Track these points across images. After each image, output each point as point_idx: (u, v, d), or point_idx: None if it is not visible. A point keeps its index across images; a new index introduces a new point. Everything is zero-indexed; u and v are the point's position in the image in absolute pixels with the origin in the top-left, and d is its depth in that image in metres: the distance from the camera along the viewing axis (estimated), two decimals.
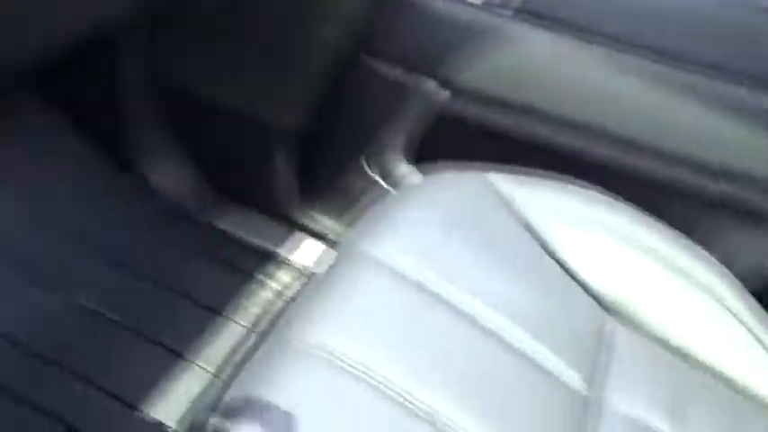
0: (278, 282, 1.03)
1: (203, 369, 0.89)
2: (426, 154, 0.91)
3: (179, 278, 1.00)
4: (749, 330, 0.70)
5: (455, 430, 0.50)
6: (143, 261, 1.00)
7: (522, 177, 0.73)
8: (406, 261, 0.60)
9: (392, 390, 0.50)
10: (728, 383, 0.66)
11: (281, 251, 1.07)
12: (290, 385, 0.50)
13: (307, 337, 0.53)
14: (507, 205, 0.69)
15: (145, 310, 0.94)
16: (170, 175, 1.12)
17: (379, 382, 0.50)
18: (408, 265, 0.60)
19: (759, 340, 0.69)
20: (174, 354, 0.90)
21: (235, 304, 0.98)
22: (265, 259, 1.06)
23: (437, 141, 0.89)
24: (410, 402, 0.50)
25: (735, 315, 0.70)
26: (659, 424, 0.59)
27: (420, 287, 0.59)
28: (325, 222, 1.07)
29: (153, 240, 1.05)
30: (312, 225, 1.08)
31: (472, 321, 0.58)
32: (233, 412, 0.48)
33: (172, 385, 0.87)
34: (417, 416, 0.50)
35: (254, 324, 0.95)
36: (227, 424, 0.46)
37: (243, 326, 0.95)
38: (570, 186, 0.74)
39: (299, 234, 1.09)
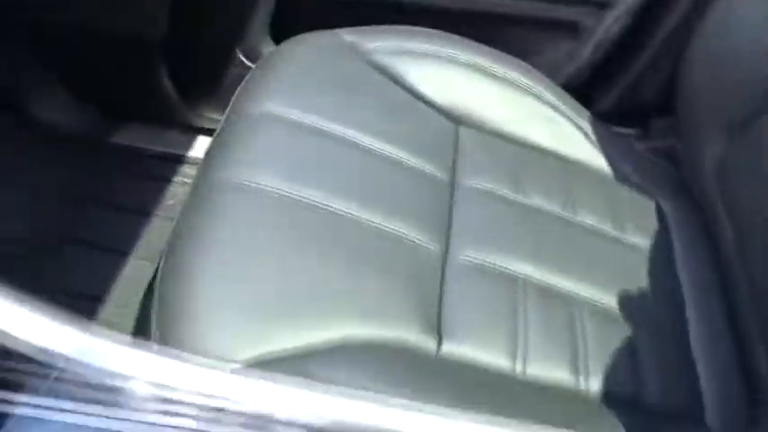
0: (184, 176, 1.15)
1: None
2: (288, 30, 1.03)
3: (85, 192, 1.09)
4: (568, 118, 0.90)
5: (346, 213, 0.66)
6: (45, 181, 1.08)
7: (367, 28, 0.87)
8: (289, 109, 0.75)
9: (301, 198, 0.66)
10: (554, 155, 0.86)
11: (178, 152, 1.18)
12: (220, 220, 0.64)
13: (223, 180, 0.67)
14: (358, 53, 0.84)
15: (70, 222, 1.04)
16: (52, 106, 1.18)
17: (288, 194, 0.66)
18: (292, 110, 0.74)
19: (575, 123, 0.89)
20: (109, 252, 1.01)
21: (148, 203, 1.09)
22: (165, 161, 1.17)
23: (296, 17, 1.01)
24: (315, 204, 0.66)
25: (555, 108, 0.90)
26: (503, 190, 0.78)
27: (306, 126, 0.73)
28: (212, 116, 1.18)
29: (48, 162, 1.12)
30: (201, 122, 1.19)
31: (351, 144, 0.74)
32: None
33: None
34: (319, 213, 0.66)
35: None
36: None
37: (164, 216, 1.07)
38: (411, 29, 0.89)
39: (190, 134, 1.20)
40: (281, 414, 0.38)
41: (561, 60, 0.97)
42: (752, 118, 0.73)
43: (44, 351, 0.36)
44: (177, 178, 1.14)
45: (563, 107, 0.89)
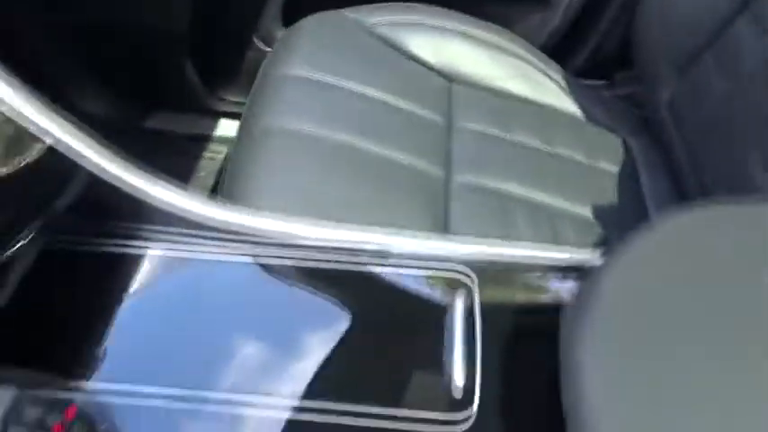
0: (211, 152, 1.30)
1: None
2: (296, 15, 1.18)
3: None
4: (544, 73, 1.05)
5: (366, 149, 0.81)
6: None
7: (367, 6, 1.02)
8: (311, 71, 0.90)
9: (331, 137, 0.81)
10: (534, 103, 1.01)
11: (204, 132, 1.33)
12: (268, 156, 0.79)
13: (266, 126, 0.82)
14: (361, 27, 0.99)
15: None
16: (90, 97, 1.32)
17: (320, 135, 0.81)
18: (313, 72, 0.89)
19: (550, 77, 1.05)
20: None
21: (182, 178, 1.24)
22: (193, 141, 1.32)
23: (302, 2, 1.16)
24: (342, 142, 0.81)
25: (533, 65, 1.05)
26: (492, 131, 0.93)
27: (325, 83, 0.89)
28: (233, 99, 1.33)
29: None
30: (223, 106, 1.34)
31: (364, 98, 0.89)
32: None
33: None
34: (346, 148, 0.81)
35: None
36: None
37: (198, 185, 1.22)
38: (406, 4, 1.05)
39: (214, 117, 1.35)
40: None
41: (536, 27, 1.12)
42: (695, 56, 0.89)
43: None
44: (205, 154, 1.29)
45: (540, 65, 1.05)
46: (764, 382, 0.37)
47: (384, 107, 0.89)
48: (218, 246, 0.55)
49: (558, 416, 0.38)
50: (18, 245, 0.51)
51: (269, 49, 1.22)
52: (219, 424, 0.45)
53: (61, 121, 0.55)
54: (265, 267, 0.55)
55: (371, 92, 0.90)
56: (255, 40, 1.23)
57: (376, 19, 1.01)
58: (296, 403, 0.45)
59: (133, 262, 0.53)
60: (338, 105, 0.87)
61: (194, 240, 0.55)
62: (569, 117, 1.01)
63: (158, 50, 1.22)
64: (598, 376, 0.36)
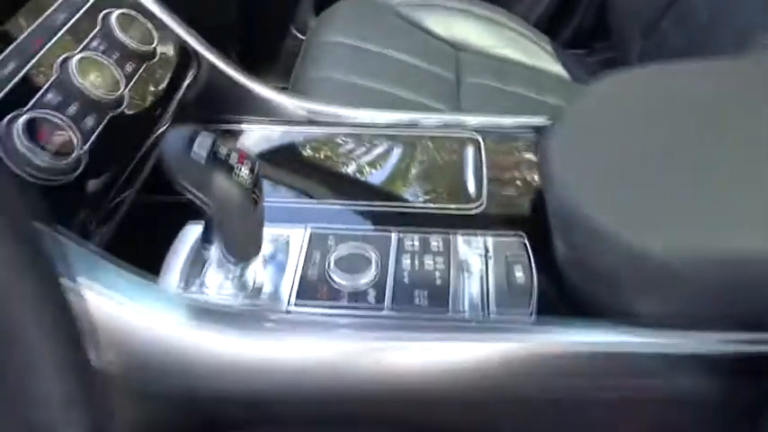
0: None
1: None
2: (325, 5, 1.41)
3: None
4: (536, 43, 1.27)
5: (394, 93, 1.03)
6: None
7: None
8: (347, 38, 1.12)
9: (370, 88, 1.02)
10: (528, 67, 1.22)
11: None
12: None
13: (312, 78, 1.04)
14: (386, 7, 1.22)
15: None
16: None
17: (359, 84, 1.03)
18: (349, 39, 1.12)
19: (541, 47, 1.26)
20: None
21: None
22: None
23: None
24: (374, 88, 1.03)
25: (527, 37, 1.27)
26: (494, 84, 1.14)
27: (360, 48, 1.11)
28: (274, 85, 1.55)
29: None
30: None
31: (395, 61, 1.11)
32: None
33: None
34: (377, 92, 1.02)
35: None
36: None
37: None
38: None
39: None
40: None
41: (529, 6, 1.35)
42: (657, 19, 1.10)
43: None
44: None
45: (532, 36, 1.27)
46: (718, 167, 0.54)
47: (407, 66, 1.11)
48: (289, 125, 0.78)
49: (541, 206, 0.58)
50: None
51: (303, 38, 1.45)
52: None
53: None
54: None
55: (396, 54, 1.12)
56: (292, 29, 1.46)
57: (397, 1, 1.24)
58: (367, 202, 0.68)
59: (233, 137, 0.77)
60: (371, 63, 1.09)
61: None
62: (557, 77, 1.22)
63: (211, 42, 1.44)
64: (566, 169, 0.57)
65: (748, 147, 0.54)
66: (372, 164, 0.74)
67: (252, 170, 0.53)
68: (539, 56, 1.25)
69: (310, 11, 1.45)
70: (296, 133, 0.79)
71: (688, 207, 0.51)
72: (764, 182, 0.52)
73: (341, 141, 0.78)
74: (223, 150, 0.50)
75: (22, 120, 0.55)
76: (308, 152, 0.77)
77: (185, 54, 0.77)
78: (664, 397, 0.53)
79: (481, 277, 0.58)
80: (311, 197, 0.71)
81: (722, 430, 0.55)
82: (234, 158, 0.50)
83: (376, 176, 0.73)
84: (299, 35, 1.46)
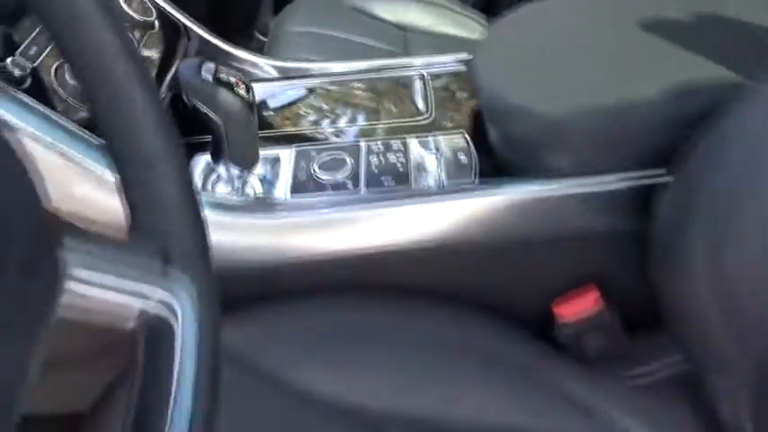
0: None
1: None
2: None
3: None
4: (476, 21, 1.45)
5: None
6: None
7: None
8: (309, 28, 1.28)
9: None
10: (466, 40, 1.40)
11: None
12: None
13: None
14: (340, 2, 1.39)
15: None
16: None
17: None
18: (311, 28, 1.28)
19: (479, 23, 1.45)
20: None
21: None
22: None
23: None
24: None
25: (466, 16, 1.45)
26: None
27: (321, 35, 1.27)
28: None
29: None
30: None
31: (348, 42, 1.28)
32: None
33: None
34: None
35: None
36: None
37: None
38: None
39: None
40: None
41: None
42: None
43: None
44: None
45: (471, 15, 1.45)
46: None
47: (364, 47, 1.28)
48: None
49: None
50: None
51: (265, 39, 1.61)
52: None
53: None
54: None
55: (354, 38, 1.29)
56: (255, 33, 1.63)
57: None
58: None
59: None
60: (332, 45, 1.26)
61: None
62: None
63: None
64: (491, 68, 0.73)
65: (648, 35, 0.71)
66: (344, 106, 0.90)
67: (248, 89, 0.68)
68: (474, 29, 1.43)
69: (269, 14, 1.61)
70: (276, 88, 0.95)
71: (587, 83, 0.68)
72: (658, 62, 0.69)
73: (321, 91, 0.94)
74: (224, 74, 0.65)
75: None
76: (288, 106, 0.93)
77: (176, 27, 0.92)
78: (579, 233, 0.69)
79: (434, 161, 0.74)
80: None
81: (623, 257, 0.71)
82: (233, 80, 0.66)
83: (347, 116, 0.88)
84: (261, 37, 1.63)
